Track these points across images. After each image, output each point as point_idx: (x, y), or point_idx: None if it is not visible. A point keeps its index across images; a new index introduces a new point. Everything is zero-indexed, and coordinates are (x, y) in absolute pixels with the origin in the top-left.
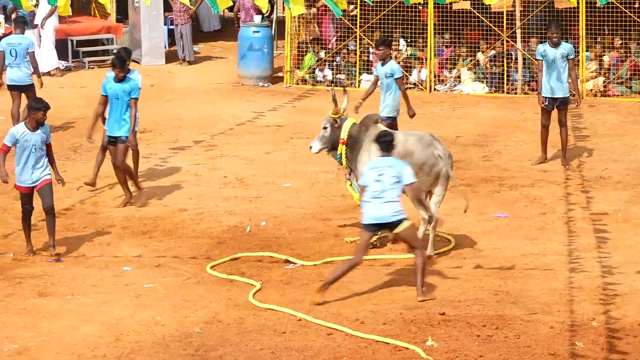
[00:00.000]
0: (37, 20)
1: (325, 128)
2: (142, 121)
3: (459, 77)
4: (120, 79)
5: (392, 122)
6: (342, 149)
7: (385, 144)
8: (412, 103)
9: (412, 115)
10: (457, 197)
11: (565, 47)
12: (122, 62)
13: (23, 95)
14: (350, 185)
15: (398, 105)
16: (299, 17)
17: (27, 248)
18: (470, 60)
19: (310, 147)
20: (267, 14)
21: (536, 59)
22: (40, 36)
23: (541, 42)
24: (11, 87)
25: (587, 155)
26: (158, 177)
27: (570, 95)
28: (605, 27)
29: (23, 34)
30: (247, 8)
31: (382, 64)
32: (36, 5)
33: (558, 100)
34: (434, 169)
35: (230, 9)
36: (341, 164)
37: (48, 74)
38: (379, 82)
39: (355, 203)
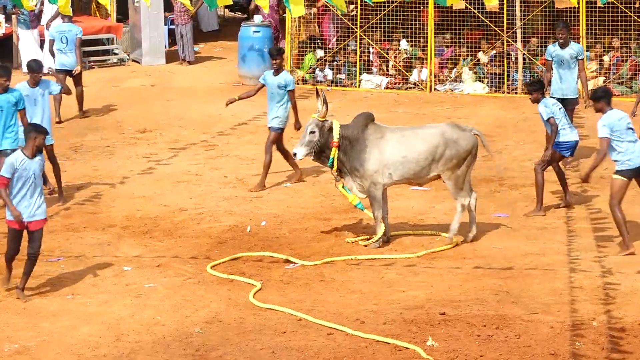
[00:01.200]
0: (43, 21)
1: (313, 132)
2: (143, 121)
3: (459, 76)
4: (4, 90)
5: (281, 133)
6: (335, 152)
7: (610, 96)
8: (412, 103)
9: (298, 129)
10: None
11: (575, 47)
12: (6, 72)
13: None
14: (343, 187)
15: (288, 117)
16: (299, 17)
17: (5, 282)
18: (471, 60)
19: (295, 154)
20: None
21: (545, 59)
22: (41, 37)
23: (541, 42)
24: (60, 71)
25: (587, 155)
26: (158, 176)
27: (579, 96)
28: (605, 27)
29: (71, 21)
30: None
31: (275, 74)
32: (37, 5)
33: (567, 101)
34: (477, 149)
35: (231, 8)
36: (330, 168)
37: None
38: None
39: (351, 204)
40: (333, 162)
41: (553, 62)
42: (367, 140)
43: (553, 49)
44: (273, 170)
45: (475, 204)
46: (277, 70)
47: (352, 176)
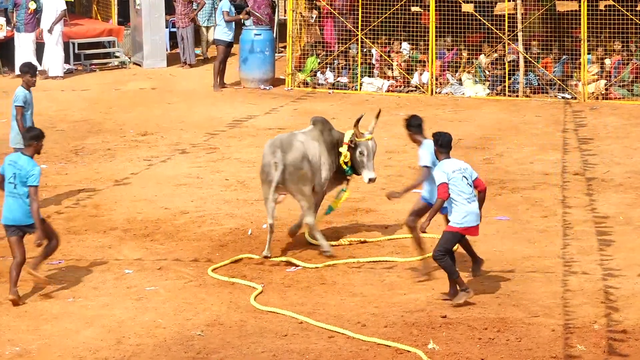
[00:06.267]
0: (43, 25)
1: (362, 153)
2: (144, 123)
3: (460, 79)
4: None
5: None
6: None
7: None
8: (413, 106)
9: None
10: None
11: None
12: (33, 70)
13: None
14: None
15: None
16: (301, 20)
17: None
18: (472, 63)
19: (375, 179)
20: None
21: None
22: (38, 40)
23: (543, 45)
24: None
25: (589, 158)
26: (160, 179)
27: None
28: (607, 30)
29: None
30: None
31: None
32: (35, 10)
33: None
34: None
35: (239, 10)
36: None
37: (55, 78)
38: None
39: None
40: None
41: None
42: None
43: None
44: None
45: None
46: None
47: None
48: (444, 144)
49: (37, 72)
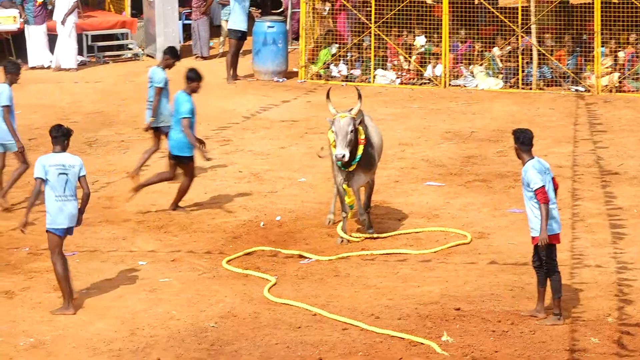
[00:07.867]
0: (56, 16)
1: (352, 131)
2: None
3: (473, 72)
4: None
5: None
6: (362, 149)
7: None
8: (426, 98)
9: None
10: (471, 193)
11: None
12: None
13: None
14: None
15: None
16: (314, 12)
17: None
18: (485, 56)
19: (343, 156)
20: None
21: None
22: (52, 32)
23: (556, 37)
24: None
25: (603, 151)
26: None
27: None
28: (621, 23)
29: None
30: None
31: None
32: (43, 2)
33: None
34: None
35: (257, 5)
36: (346, 168)
37: (68, 70)
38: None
39: (352, 203)
40: (358, 160)
41: None
42: (370, 132)
43: None
44: (288, 166)
45: None
46: None
47: (366, 172)
48: (525, 142)
49: (178, 56)
